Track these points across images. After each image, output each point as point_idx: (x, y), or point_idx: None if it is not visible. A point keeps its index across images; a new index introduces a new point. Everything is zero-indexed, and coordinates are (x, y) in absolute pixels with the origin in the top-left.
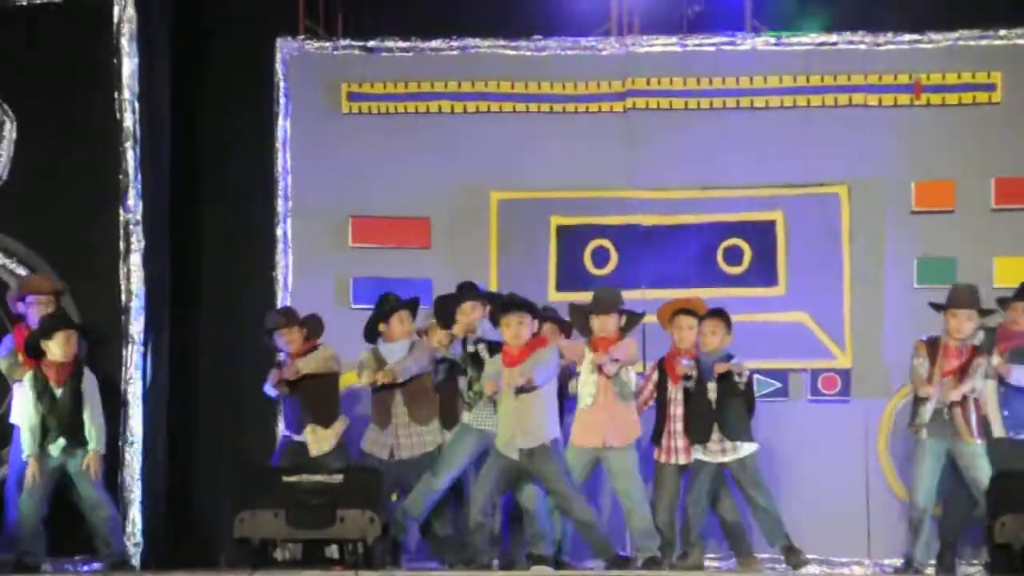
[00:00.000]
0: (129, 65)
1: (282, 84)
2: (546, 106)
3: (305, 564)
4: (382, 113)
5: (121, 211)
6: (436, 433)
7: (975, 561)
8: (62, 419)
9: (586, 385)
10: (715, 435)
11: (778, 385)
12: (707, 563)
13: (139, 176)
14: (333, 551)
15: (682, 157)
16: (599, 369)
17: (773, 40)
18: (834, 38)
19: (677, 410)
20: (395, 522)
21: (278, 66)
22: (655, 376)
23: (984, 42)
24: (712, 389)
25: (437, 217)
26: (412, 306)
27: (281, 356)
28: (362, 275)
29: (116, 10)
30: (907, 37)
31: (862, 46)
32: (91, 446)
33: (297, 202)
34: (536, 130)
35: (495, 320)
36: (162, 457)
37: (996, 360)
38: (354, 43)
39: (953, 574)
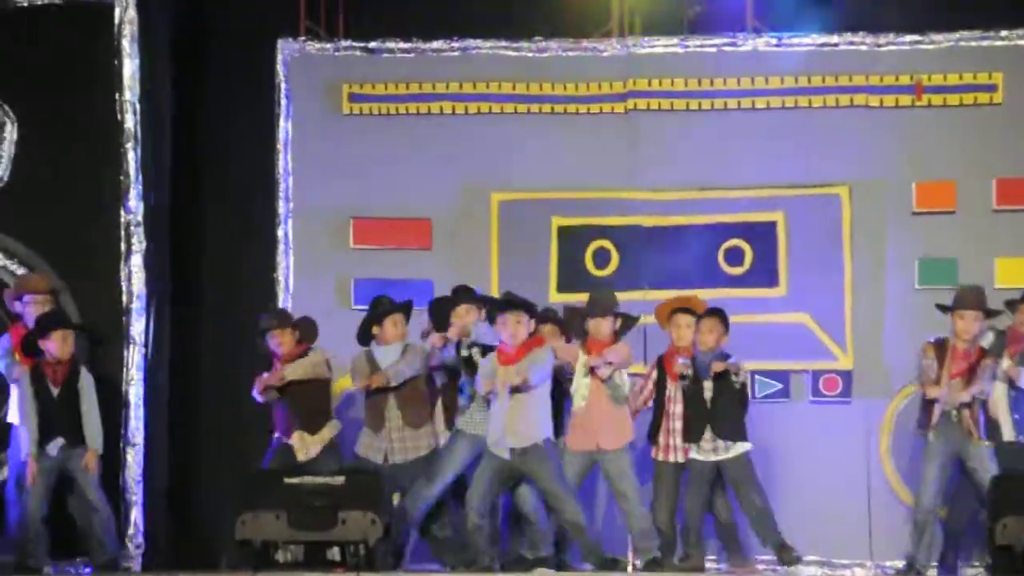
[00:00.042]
0: (130, 66)
1: (283, 85)
2: (547, 107)
3: (307, 566)
4: (383, 114)
5: (122, 212)
6: (429, 437)
7: (976, 563)
8: (60, 418)
9: (579, 388)
10: (708, 434)
11: (779, 386)
12: (708, 565)
13: (140, 177)
14: (335, 553)
15: (683, 158)
16: (592, 372)
17: (774, 41)
18: (835, 39)
19: (676, 408)
20: (396, 524)
21: (279, 67)
22: (654, 374)
23: (985, 43)
24: (708, 388)
25: (438, 218)
26: (406, 309)
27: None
28: (363, 276)
29: (117, 11)
30: (908, 38)
31: (863, 47)
32: (89, 445)
33: (298, 203)
34: (537, 131)
35: (492, 319)
36: (163, 458)
37: (1006, 363)
38: (355, 44)
39: (955, 575)
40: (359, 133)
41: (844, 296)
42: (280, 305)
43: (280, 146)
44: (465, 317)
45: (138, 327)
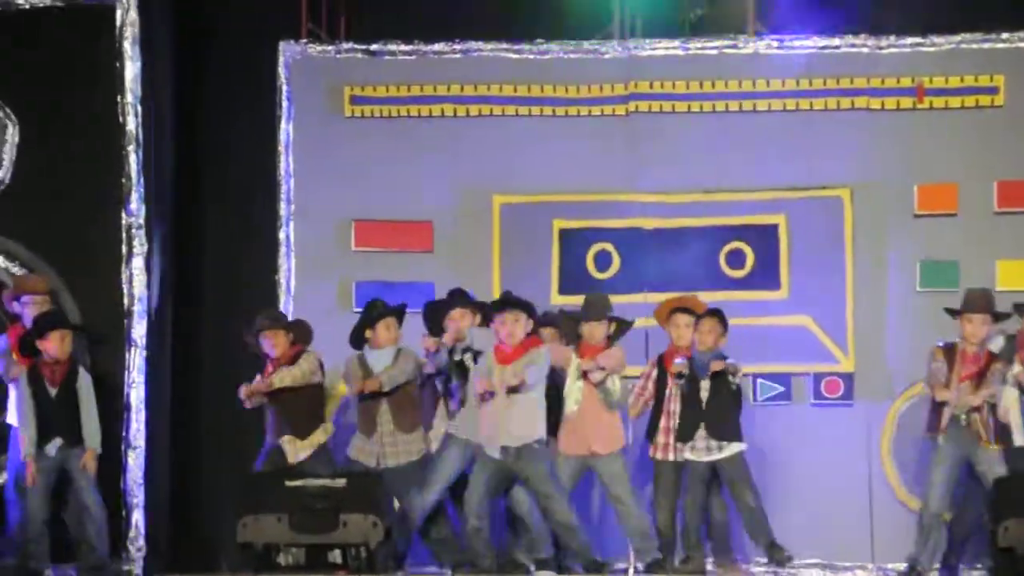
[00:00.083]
0: (132, 68)
1: (284, 87)
2: (548, 109)
3: (308, 568)
4: (385, 116)
5: (123, 214)
6: (421, 441)
7: (978, 565)
8: (58, 418)
9: (572, 392)
10: (702, 433)
11: (781, 389)
12: (708, 567)
13: (141, 179)
14: (336, 555)
15: (685, 160)
16: (585, 376)
17: (775, 44)
18: (836, 41)
19: (675, 407)
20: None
21: (280, 69)
22: (654, 373)
23: (987, 45)
24: (705, 388)
25: (440, 221)
26: (398, 313)
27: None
28: (365, 279)
29: (119, 13)
30: (909, 40)
31: (864, 49)
32: (88, 445)
33: (299, 206)
34: (538, 133)
35: (489, 319)
36: (165, 461)
37: (1017, 368)
38: (357, 46)
39: None
40: (360, 135)
41: (846, 298)
42: (282, 308)
43: (281, 148)
44: (460, 321)
45: (139, 329)
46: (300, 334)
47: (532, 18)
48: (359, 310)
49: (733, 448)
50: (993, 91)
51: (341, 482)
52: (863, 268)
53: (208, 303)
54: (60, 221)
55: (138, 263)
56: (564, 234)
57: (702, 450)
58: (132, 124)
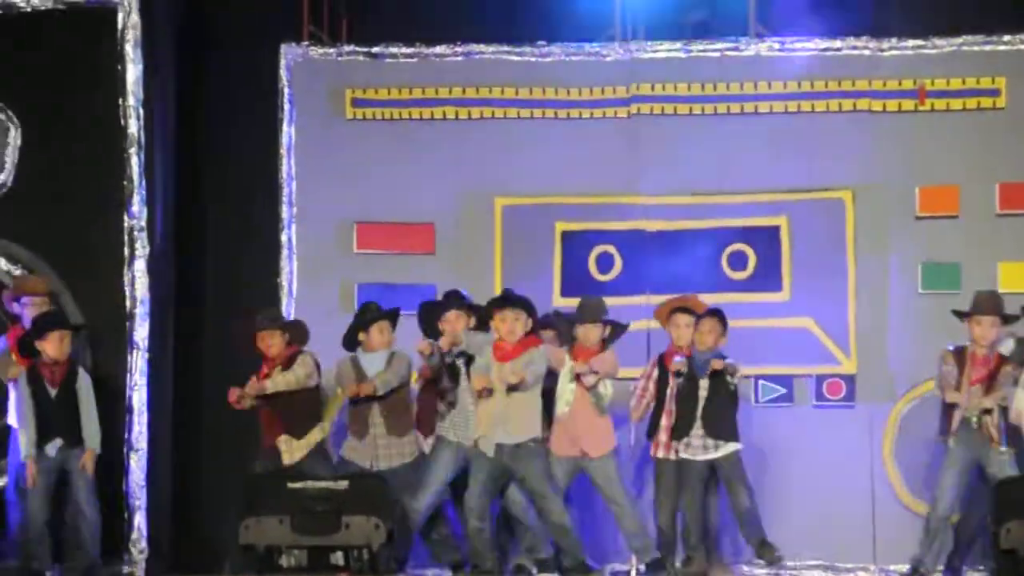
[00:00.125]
0: (133, 71)
1: (286, 90)
2: (550, 112)
3: (310, 570)
4: (386, 119)
5: (125, 217)
6: (413, 444)
7: (980, 567)
8: (58, 419)
9: (563, 393)
10: (698, 432)
11: (783, 390)
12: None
13: (143, 182)
14: (338, 558)
15: (686, 162)
16: (578, 379)
17: (777, 46)
18: (838, 44)
19: (675, 406)
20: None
21: (282, 72)
22: (655, 373)
23: (988, 47)
24: (704, 387)
25: (441, 223)
26: (392, 316)
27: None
28: (367, 281)
29: (120, 16)
30: (911, 43)
31: (866, 52)
32: (87, 445)
33: (301, 208)
34: (540, 136)
35: (489, 317)
36: (167, 463)
37: None
38: (358, 49)
39: None
40: (362, 138)
41: (847, 300)
42: (283, 310)
43: (283, 151)
44: (455, 323)
45: (141, 332)
46: (296, 334)
47: (534, 20)
48: None
49: (729, 447)
50: (995, 93)
51: (343, 484)
52: (865, 270)
53: (210, 305)
54: (62, 223)
55: (140, 265)
56: (566, 236)
57: (698, 448)
58: (134, 127)
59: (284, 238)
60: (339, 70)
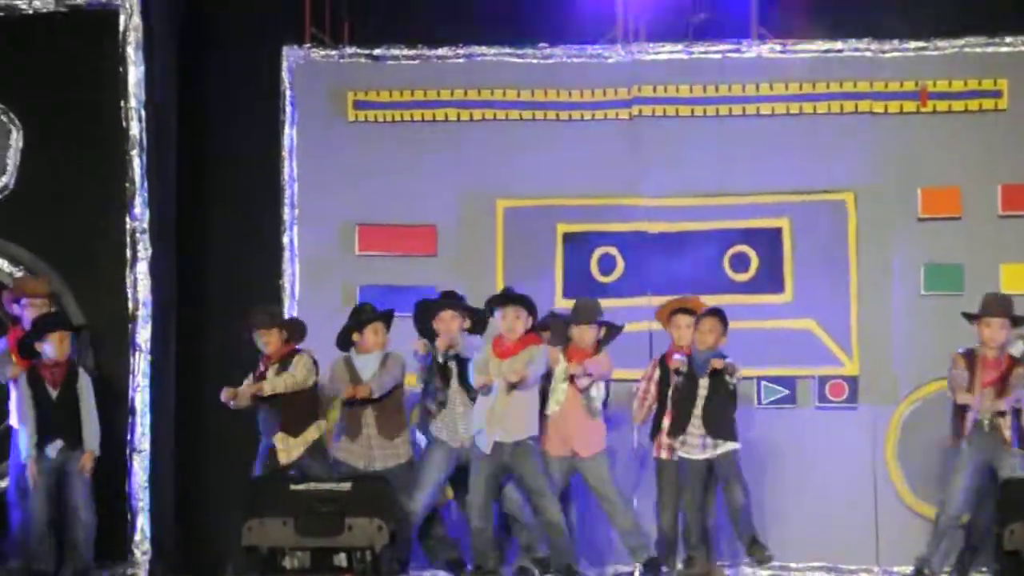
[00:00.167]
0: (135, 73)
1: (288, 92)
2: (552, 113)
3: (313, 572)
4: (388, 121)
5: (128, 219)
6: (407, 445)
7: (984, 569)
8: (59, 420)
9: (555, 392)
10: (695, 431)
11: (785, 392)
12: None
13: (145, 184)
14: (341, 559)
15: (688, 164)
16: (571, 380)
17: (779, 47)
18: (840, 45)
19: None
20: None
21: (284, 74)
22: (656, 375)
23: (990, 49)
24: (703, 386)
25: (443, 225)
26: (386, 318)
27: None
28: (369, 283)
29: (122, 18)
30: (913, 44)
31: (868, 53)
32: (86, 447)
33: (303, 210)
34: (542, 137)
35: (490, 315)
36: (170, 465)
37: None
38: (360, 51)
39: None
40: (364, 140)
41: (850, 302)
42: (286, 312)
43: (285, 153)
44: (450, 323)
45: (144, 334)
46: (294, 332)
47: (535, 22)
48: None
49: (728, 446)
50: (997, 95)
51: (346, 486)
52: (867, 271)
53: (212, 307)
54: (64, 225)
55: (142, 267)
56: (568, 238)
57: (697, 447)
58: (136, 128)
59: (286, 240)
60: (341, 72)
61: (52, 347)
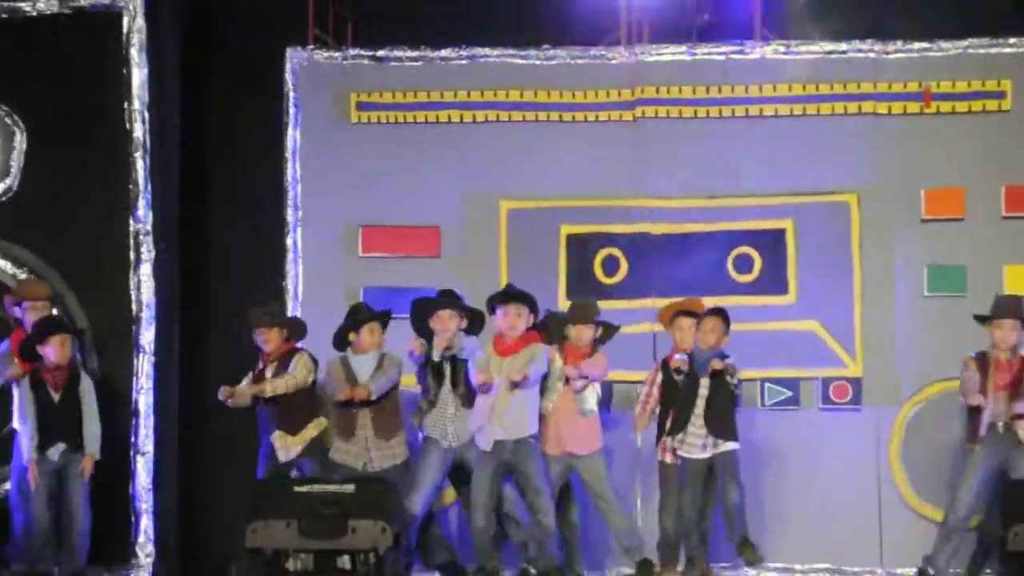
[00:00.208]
0: (139, 75)
1: (291, 94)
2: (555, 115)
3: (317, 574)
4: (391, 122)
5: (131, 221)
6: (403, 445)
7: (988, 570)
8: (61, 423)
9: (549, 391)
10: (695, 430)
11: (789, 393)
12: (718, 569)
13: (149, 186)
14: (345, 561)
15: (692, 166)
16: (567, 381)
17: (782, 49)
18: (843, 46)
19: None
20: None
21: (287, 76)
22: (659, 378)
23: (994, 50)
24: (704, 385)
25: (447, 226)
26: (383, 318)
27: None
28: (372, 284)
29: (125, 20)
30: (916, 45)
31: (871, 54)
32: (87, 450)
33: (307, 212)
34: (545, 139)
35: (477, 324)
36: (173, 467)
37: None
38: (363, 53)
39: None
40: (367, 141)
41: (853, 303)
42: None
43: (288, 154)
44: (447, 322)
45: (147, 336)
46: (294, 330)
47: (539, 24)
48: None
49: (728, 446)
50: (1000, 96)
51: (350, 488)
52: (870, 273)
53: (216, 309)
54: (68, 227)
55: (146, 269)
56: (571, 239)
57: (697, 447)
58: (139, 130)
59: (289, 241)
60: (344, 74)
61: (54, 350)
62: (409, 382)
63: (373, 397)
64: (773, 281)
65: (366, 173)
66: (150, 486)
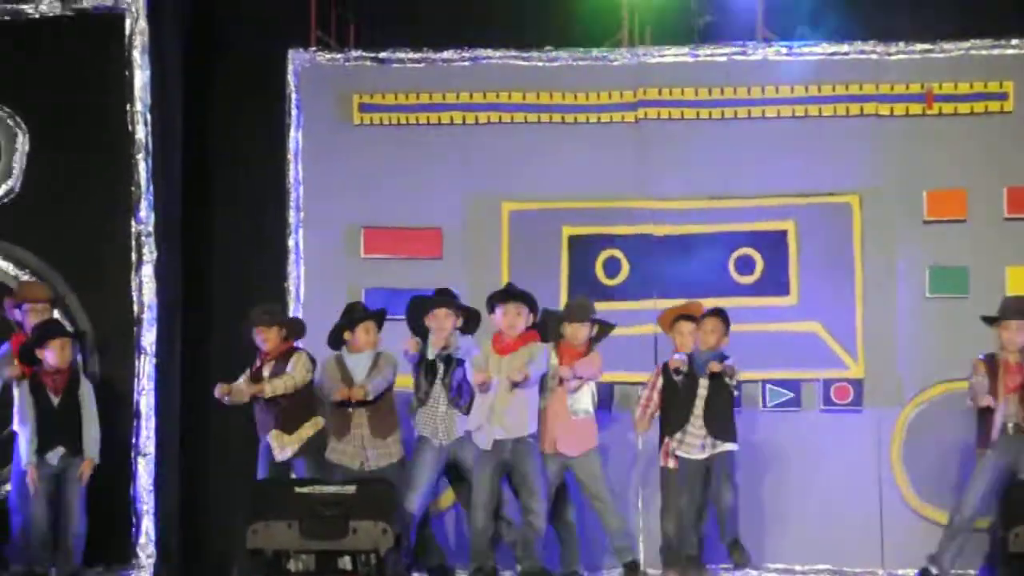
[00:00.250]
0: (141, 77)
1: (294, 95)
2: (557, 116)
3: (318, 575)
4: (393, 124)
5: (133, 222)
6: (398, 444)
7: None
8: (61, 427)
9: (543, 390)
10: (694, 431)
11: (790, 395)
12: (719, 570)
13: (151, 187)
14: (346, 562)
15: (694, 167)
16: (561, 381)
17: (784, 50)
18: (845, 48)
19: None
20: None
21: (290, 77)
22: (659, 382)
23: (996, 51)
24: (703, 386)
25: (449, 227)
26: (378, 317)
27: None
28: (374, 286)
29: (128, 22)
30: (919, 47)
31: (873, 56)
32: (86, 454)
33: (309, 213)
34: (547, 140)
35: (473, 324)
36: (175, 468)
37: None
38: (365, 54)
39: None
40: (369, 143)
41: (855, 305)
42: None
43: (291, 156)
44: (443, 321)
45: (149, 337)
46: (292, 330)
47: (541, 25)
48: None
49: (726, 447)
50: (1002, 97)
51: (351, 489)
52: (872, 274)
53: (217, 310)
54: (70, 229)
55: (147, 271)
56: (573, 241)
57: (695, 447)
58: (141, 132)
59: (291, 243)
60: (346, 75)
61: (53, 354)
62: (406, 383)
63: (370, 397)
64: (774, 282)
65: (368, 175)
66: (151, 487)
